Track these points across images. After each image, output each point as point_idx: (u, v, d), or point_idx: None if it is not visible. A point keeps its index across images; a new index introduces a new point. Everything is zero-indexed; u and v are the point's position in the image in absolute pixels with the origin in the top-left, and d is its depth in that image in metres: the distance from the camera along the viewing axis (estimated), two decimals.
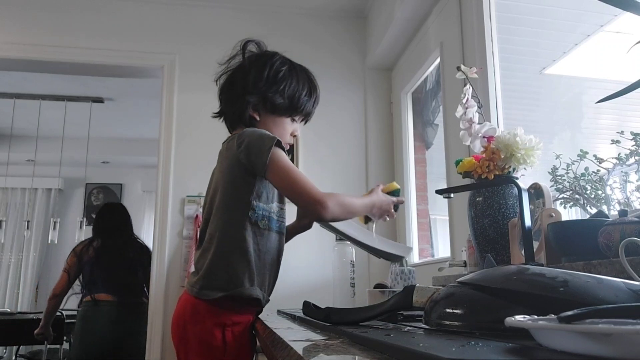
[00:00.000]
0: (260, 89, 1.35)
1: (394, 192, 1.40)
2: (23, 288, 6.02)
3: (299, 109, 1.40)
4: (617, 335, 0.38)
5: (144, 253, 3.21)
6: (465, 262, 1.68)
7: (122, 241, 3.20)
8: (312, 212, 1.21)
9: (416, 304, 0.83)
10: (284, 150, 1.27)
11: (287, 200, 1.36)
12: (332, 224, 1.37)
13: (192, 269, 1.39)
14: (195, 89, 3.18)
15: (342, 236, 1.49)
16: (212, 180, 1.41)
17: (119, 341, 3.01)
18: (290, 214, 1.43)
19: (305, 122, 1.48)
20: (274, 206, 1.33)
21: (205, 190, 1.45)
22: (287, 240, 1.44)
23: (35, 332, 3.23)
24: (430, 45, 2.74)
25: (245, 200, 1.28)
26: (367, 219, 1.39)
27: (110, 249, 3.12)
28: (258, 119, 1.37)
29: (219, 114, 1.47)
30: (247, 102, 1.35)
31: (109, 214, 3.32)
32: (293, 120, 1.43)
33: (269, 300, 1.36)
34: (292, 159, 1.38)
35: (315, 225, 1.44)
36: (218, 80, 1.45)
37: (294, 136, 1.45)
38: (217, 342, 1.25)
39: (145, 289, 3.16)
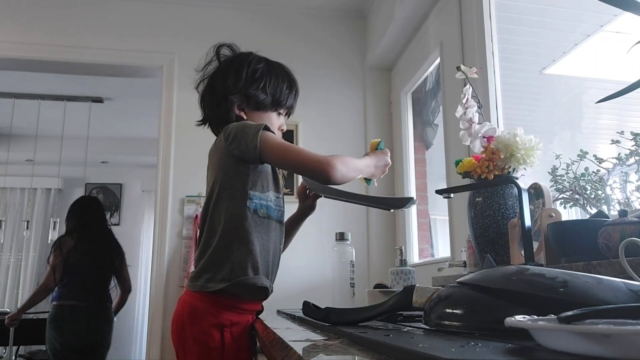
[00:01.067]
0: (241, 88, 1.38)
1: (379, 146, 1.42)
2: (22, 288, 6.01)
3: (282, 103, 1.44)
4: (616, 336, 0.38)
5: (119, 254, 3.36)
6: (465, 263, 1.68)
7: (103, 244, 3.33)
8: (320, 173, 1.20)
9: (416, 304, 0.83)
10: (271, 132, 1.29)
11: (282, 189, 1.39)
12: (336, 186, 1.36)
13: (192, 269, 1.40)
14: (194, 89, 3.18)
15: (348, 198, 1.50)
16: (207, 181, 1.42)
17: (96, 343, 3.19)
18: (290, 208, 1.44)
19: (289, 116, 1.51)
20: (271, 195, 1.34)
21: (204, 190, 1.45)
22: (294, 230, 1.46)
23: (10, 318, 3.31)
24: (430, 45, 2.74)
25: (242, 190, 1.29)
26: (367, 180, 1.39)
27: (93, 253, 3.24)
28: (245, 117, 1.40)
29: (203, 121, 1.49)
30: (231, 102, 1.38)
31: (86, 210, 3.41)
32: (279, 114, 1.46)
33: (273, 290, 1.36)
34: None
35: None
36: (197, 88, 1.48)
37: (281, 130, 1.47)
38: (214, 343, 1.25)
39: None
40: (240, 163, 1.29)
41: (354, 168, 1.27)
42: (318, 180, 1.26)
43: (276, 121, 1.45)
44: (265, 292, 1.32)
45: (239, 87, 1.38)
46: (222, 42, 1.48)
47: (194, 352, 1.26)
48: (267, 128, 1.27)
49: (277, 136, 1.29)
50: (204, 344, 1.25)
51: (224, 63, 1.44)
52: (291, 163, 1.27)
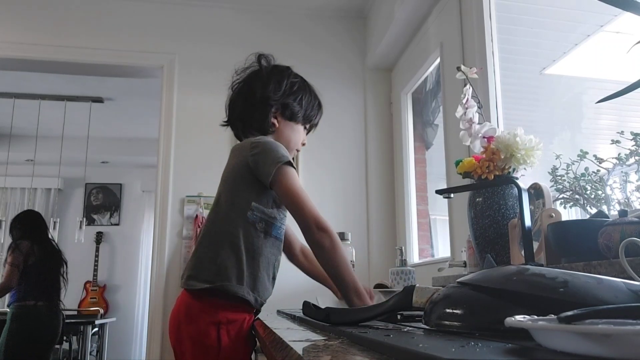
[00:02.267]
0: (280, 97, 1.44)
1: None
2: None
3: (312, 118, 1.52)
4: (616, 336, 0.38)
5: (63, 259, 3.52)
6: (465, 263, 1.68)
7: (52, 248, 3.52)
8: (308, 229, 1.25)
9: (416, 304, 0.83)
10: (294, 168, 1.32)
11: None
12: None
13: None
14: (194, 89, 3.18)
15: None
16: (221, 178, 1.44)
17: (54, 337, 3.39)
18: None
19: (308, 133, 1.57)
20: (275, 212, 1.35)
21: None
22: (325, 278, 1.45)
23: None
24: (430, 46, 2.74)
25: (245, 199, 1.31)
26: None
27: (47, 256, 3.40)
28: (277, 125, 1.45)
29: (228, 123, 1.51)
30: (269, 109, 1.43)
31: (32, 219, 3.57)
32: (305, 128, 1.52)
33: (263, 304, 1.35)
34: (292, 159, 1.42)
35: None
36: (232, 89, 1.50)
37: (303, 145, 1.54)
38: (210, 341, 1.25)
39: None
40: (252, 175, 1.32)
41: (339, 256, 1.26)
42: (304, 233, 1.27)
43: (302, 134, 1.51)
44: (248, 305, 1.30)
45: (278, 96, 1.43)
46: (261, 51, 1.51)
47: (190, 351, 1.27)
48: (290, 163, 1.30)
49: (295, 176, 1.31)
50: (199, 343, 1.26)
51: (264, 71, 1.47)
52: (292, 207, 1.29)
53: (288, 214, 1.37)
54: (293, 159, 1.41)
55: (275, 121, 1.44)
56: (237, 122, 1.48)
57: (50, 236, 3.63)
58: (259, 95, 1.43)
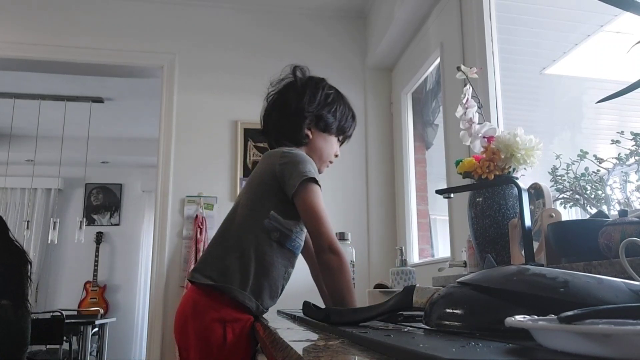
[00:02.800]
0: (315, 109, 1.45)
1: None
2: None
3: (346, 130, 1.52)
4: (617, 336, 0.38)
5: (25, 258, 3.53)
6: (465, 263, 1.68)
7: (12, 246, 3.49)
8: (321, 249, 1.26)
9: (416, 304, 0.83)
10: (319, 186, 1.32)
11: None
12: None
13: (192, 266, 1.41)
14: (195, 89, 3.18)
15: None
16: (245, 183, 1.47)
17: (23, 344, 3.30)
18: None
19: (341, 144, 1.57)
20: (291, 223, 1.34)
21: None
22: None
23: None
24: (430, 46, 2.74)
25: (266, 206, 1.32)
26: None
27: (10, 254, 3.38)
28: (310, 136, 1.45)
29: (263, 133, 1.53)
30: (303, 120, 1.44)
31: None
32: (338, 140, 1.52)
33: (264, 311, 1.35)
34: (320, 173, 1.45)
35: None
36: (268, 99, 1.51)
37: (336, 156, 1.54)
38: (216, 337, 1.26)
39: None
40: (277, 183, 1.32)
41: (345, 280, 1.27)
42: (316, 250, 1.28)
43: (335, 145, 1.52)
44: (248, 310, 1.31)
45: (313, 107, 1.44)
46: (296, 64, 1.52)
47: (195, 346, 1.28)
48: (315, 180, 1.30)
49: (318, 193, 1.30)
50: (205, 339, 1.27)
51: (299, 82, 1.48)
52: (309, 224, 1.29)
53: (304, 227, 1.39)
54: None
55: (309, 132, 1.45)
56: (271, 132, 1.49)
57: (12, 236, 3.64)
58: (293, 106, 1.44)
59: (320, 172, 1.46)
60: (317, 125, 1.46)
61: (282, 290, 1.39)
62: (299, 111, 1.43)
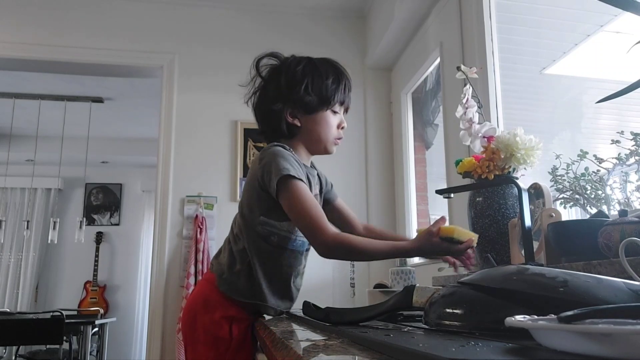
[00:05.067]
0: (284, 95, 1.32)
1: (454, 237, 1.11)
2: (22, 288, 6.01)
3: (330, 100, 1.34)
4: (617, 336, 0.38)
5: None
6: None
7: None
8: (320, 247, 1.17)
9: (416, 304, 0.83)
10: (301, 181, 1.22)
11: None
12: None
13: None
14: (194, 89, 3.18)
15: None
16: None
17: None
18: None
19: (347, 111, 1.42)
20: (286, 225, 1.28)
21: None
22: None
23: None
24: (430, 45, 2.74)
25: (255, 212, 1.29)
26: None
27: None
28: (299, 124, 1.34)
29: (261, 134, 1.45)
30: (279, 112, 1.32)
31: None
32: (334, 112, 1.36)
33: (282, 312, 1.34)
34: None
35: None
36: (247, 102, 1.43)
37: (342, 128, 1.39)
38: (223, 334, 1.28)
39: None
40: (262, 187, 1.26)
41: (363, 252, 1.16)
42: (316, 251, 1.19)
43: (332, 120, 1.36)
44: (257, 313, 1.33)
45: (281, 95, 1.32)
46: (261, 54, 1.40)
47: (202, 341, 1.29)
48: (292, 176, 1.19)
49: (296, 190, 1.19)
50: (212, 334, 1.28)
51: (266, 75, 1.38)
52: (298, 226, 1.22)
53: None
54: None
55: (295, 121, 1.33)
56: (263, 134, 1.43)
57: None
58: (265, 101, 1.36)
59: (330, 153, 1.37)
60: (298, 110, 1.33)
61: (297, 289, 1.38)
62: (272, 105, 1.33)
